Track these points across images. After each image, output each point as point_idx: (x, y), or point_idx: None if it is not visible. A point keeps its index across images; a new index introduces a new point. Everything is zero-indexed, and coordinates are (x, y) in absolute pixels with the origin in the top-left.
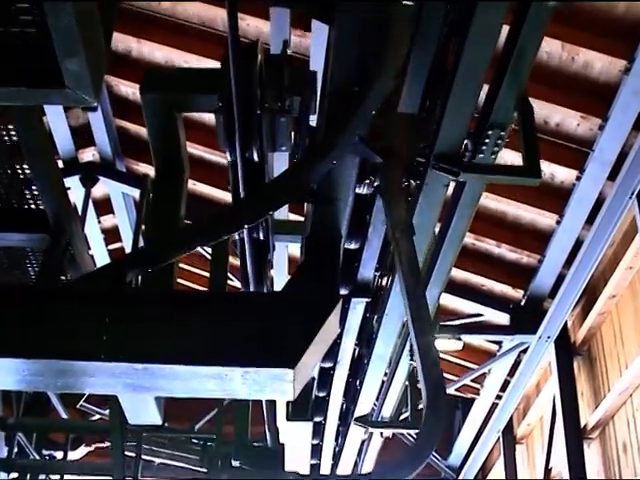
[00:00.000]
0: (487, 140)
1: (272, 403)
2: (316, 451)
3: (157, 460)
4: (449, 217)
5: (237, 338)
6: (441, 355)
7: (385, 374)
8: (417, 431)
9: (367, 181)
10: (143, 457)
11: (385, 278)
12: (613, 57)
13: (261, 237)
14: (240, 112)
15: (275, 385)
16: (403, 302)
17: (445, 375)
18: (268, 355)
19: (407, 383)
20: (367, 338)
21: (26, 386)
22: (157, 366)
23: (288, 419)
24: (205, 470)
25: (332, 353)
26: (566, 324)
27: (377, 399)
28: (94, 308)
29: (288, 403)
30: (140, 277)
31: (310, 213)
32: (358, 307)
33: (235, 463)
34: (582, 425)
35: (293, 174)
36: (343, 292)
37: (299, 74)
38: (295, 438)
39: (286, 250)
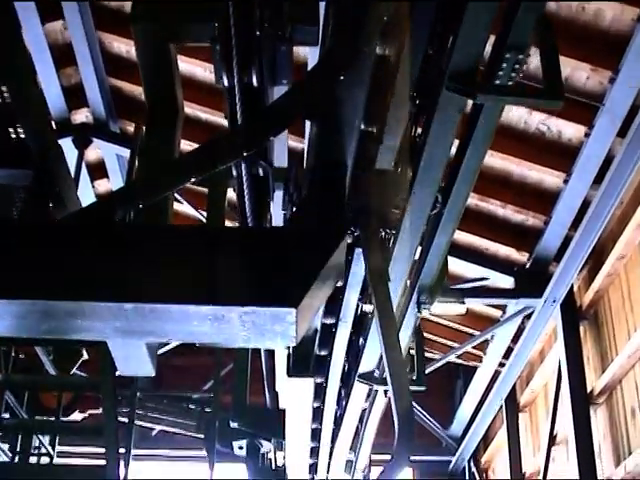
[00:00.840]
0: (504, 64)
1: (272, 365)
2: (317, 415)
3: (150, 425)
4: (463, 149)
5: (235, 275)
6: (443, 322)
7: None
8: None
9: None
10: (138, 423)
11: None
12: (625, 4)
13: (260, 173)
14: (238, 33)
15: (276, 327)
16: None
17: (447, 342)
18: (269, 293)
19: (413, 340)
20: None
21: (8, 330)
22: (148, 306)
23: (289, 375)
24: (202, 436)
25: (334, 309)
26: (572, 287)
27: (381, 358)
28: (80, 246)
29: (289, 358)
30: (131, 215)
31: (313, 142)
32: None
33: (233, 425)
34: (588, 390)
35: (299, 89)
36: (348, 241)
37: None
38: (295, 398)
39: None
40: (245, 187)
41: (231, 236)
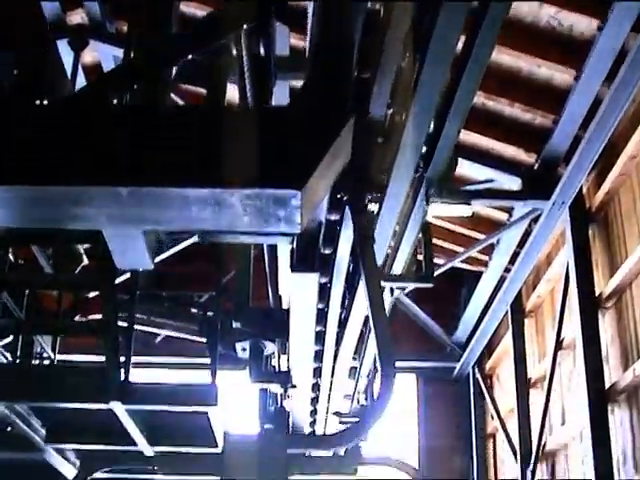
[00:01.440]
0: None
1: (275, 268)
2: (321, 317)
3: (151, 330)
4: (473, 37)
5: (237, 158)
6: (448, 226)
7: (395, 231)
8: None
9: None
10: (139, 328)
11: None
12: None
13: (262, 53)
14: None
15: (280, 212)
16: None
17: (451, 246)
18: (272, 176)
19: (420, 236)
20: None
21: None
22: (144, 190)
23: (292, 270)
24: (204, 340)
25: (340, 205)
26: (581, 189)
27: (387, 256)
28: (73, 128)
29: (292, 253)
30: (127, 97)
31: (318, 18)
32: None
33: (236, 325)
34: (597, 294)
35: None
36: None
37: None
38: (299, 297)
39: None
40: (245, 67)
41: (232, 117)
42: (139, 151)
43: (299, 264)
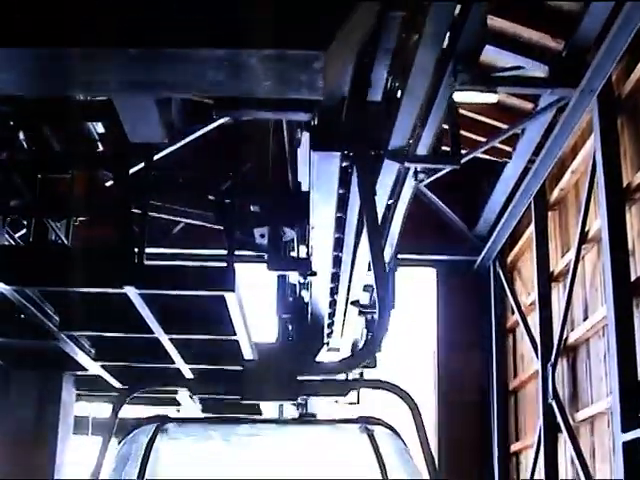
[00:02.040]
0: None
1: (293, 151)
2: (342, 203)
3: (166, 217)
4: None
5: (256, 15)
6: (472, 115)
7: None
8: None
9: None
10: (154, 215)
11: None
12: None
13: None
14: None
15: (302, 76)
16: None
17: (475, 137)
18: (294, 35)
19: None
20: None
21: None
22: (157, 50)
23: (313, 148)
24: (222, 228)
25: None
26: (610, 77)
27: (411, 137)
28: None
29: (313, 130)
30: None
31: None
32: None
33: (254, 209)
34: (624, 185)
35: None
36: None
37: None
38: (320, 178)
39: None
40: None
41: None
42: (151, 10)
43: (320, 142)
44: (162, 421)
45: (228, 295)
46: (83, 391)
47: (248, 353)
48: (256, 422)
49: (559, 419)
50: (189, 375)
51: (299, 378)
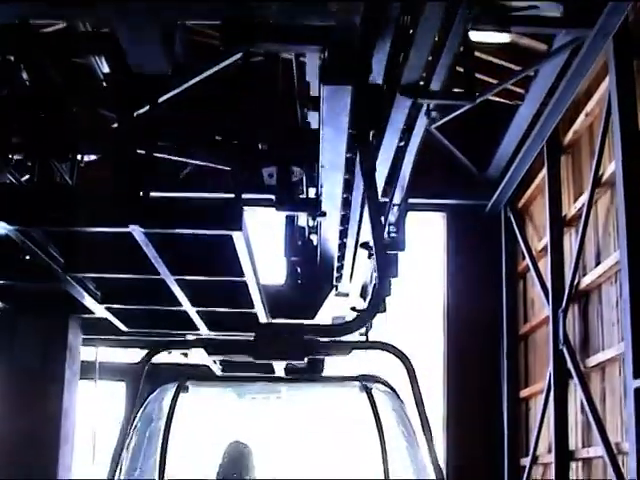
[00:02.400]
0: None
1: (302, 89)
2: (353, 144)
3: (171, 157)
4: None
5: None
6: (484, 56)
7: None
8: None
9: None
10: (160, 156)
11: None
12: None
13: None
14: None
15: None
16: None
17: (486, 78)
18: None
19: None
20: None
21: None
22: None
23: (324, 81)
24: (229, 168)
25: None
26: (627, 18)
27: (424, 71)
28: None
29: (323, 64)
30: None
31: None
32: None
33: (262, 147)
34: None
35: None
36: None
37: None
38: (330, 113)
39: None
40: None
41: None
42: None
43: (331, 75)
44: (184, 381)
45: (235, 234)
46: (90, 335)
47: (256, 295)
48: (268, 380)
49: (569, 365)
50: (196, 318)
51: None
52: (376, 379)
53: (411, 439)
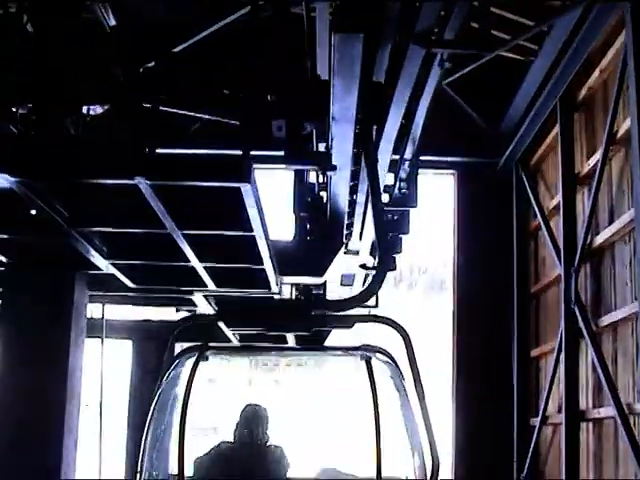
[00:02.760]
0: None
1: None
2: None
3: (178, 111)
4: None
5: None
6: (497, 12)
7: None
8: None
9: None
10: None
11: None
12: None
13: None
14: None
15: None
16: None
17: (499, 34)
18: None
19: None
20: None
21: None
22: None
23: (335, 29)
24: (237, 122)
25: None
26: None
27: (436, 20)
28: None
29: (336, 9)
30: None
31: None
32: None
33: (271, 99)
34: None
35: None
36: None
37: None
38: (342, 63)
39: None
40: None
41: None
42: None
43: (342, 23)
44: (204, 349)
45: (243, 187)
46: (96, 292)
47: (265, 251)
48: (279, 350)
49: (581, 324)
50: (204, 275)
51: (313, 313)
52: (376, 349)
53: (406, 402)
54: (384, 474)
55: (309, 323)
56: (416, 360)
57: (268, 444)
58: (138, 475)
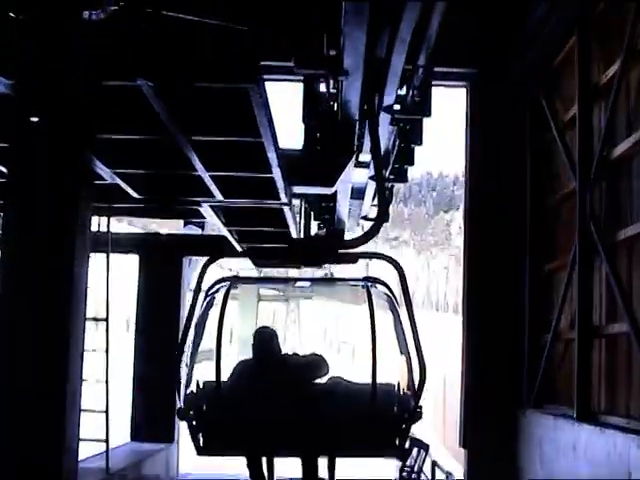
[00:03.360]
0: None
1: None
2: None
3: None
4: None
5: None
6: None
7: None
8: None
9: None
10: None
11: None
12: None
13: None
14: None
15: None
16: None
17: None
18: None
19: None
20: None
21: None
22: None
23: None
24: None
25: None
26: None
27: None
28: None
29: None
30: None
31: None
32: None
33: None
34: None
35: None
36: None
37: None
38: None
39: None
40: None
41: None
42: None
43: None
44: (234, 280)
45: (251, 88)
46: (101, 204)
47: (273, 158)
48: (296, 280)
49: (596, 239)
50: (210, 184)
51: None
52: (376, 280)
53: (398, 321)
54: (379, 380)
55: (320, 259)
56: (408, 288)
57: (288, 354)
58: (178, 384)
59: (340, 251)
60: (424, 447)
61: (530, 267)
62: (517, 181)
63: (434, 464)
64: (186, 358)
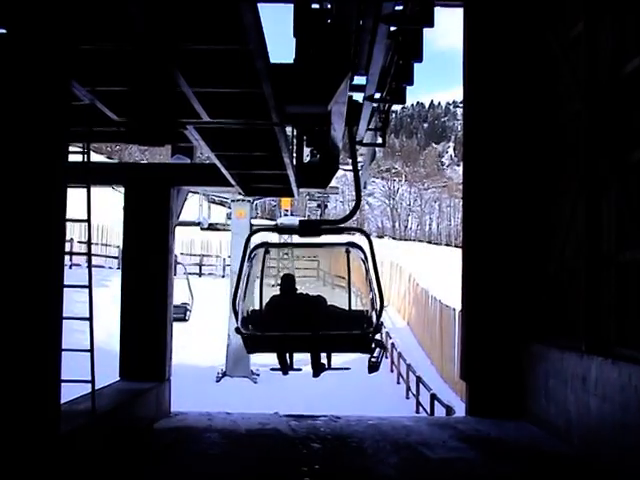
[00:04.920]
0: None
1: None
2: None
3: None
4: None
5: None
6: None
7: None
8: None
9: None
10: None
11: None
12: None
13: None
14: None
15: None
16: None
17: None
18: None
19: None
20: None
21: None
22: None
23: None
24: None
25: None
26: None
27: None
28: None
29: None
30: None
31: None
32: None
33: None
34: None
35: None
36: None
37: None
38: None
39: None
40: None
41: None
42: None
43: None
44: (268, 245)
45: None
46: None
47: (262, 69)
48: (305, 245)
49: (605, 161)
50: (195, 102)
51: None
52: (355, 245)
53: (366, 272)
54: (357, 308)
55: (319, 232)
56: (374, 250)
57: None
58: (235, 314)
59: (325, 227)
60: (383, 346)
61: (532, 194)
62: (517, 104)
63: (433, 397)
64: (239, 296)
